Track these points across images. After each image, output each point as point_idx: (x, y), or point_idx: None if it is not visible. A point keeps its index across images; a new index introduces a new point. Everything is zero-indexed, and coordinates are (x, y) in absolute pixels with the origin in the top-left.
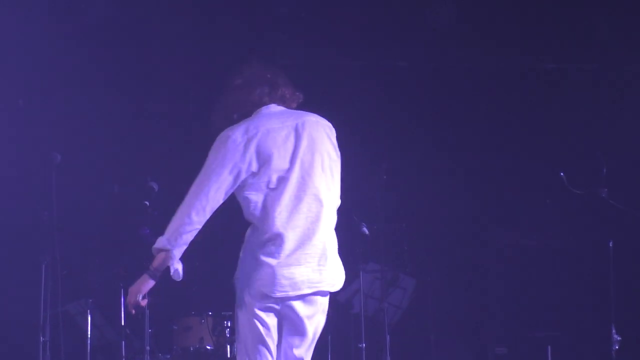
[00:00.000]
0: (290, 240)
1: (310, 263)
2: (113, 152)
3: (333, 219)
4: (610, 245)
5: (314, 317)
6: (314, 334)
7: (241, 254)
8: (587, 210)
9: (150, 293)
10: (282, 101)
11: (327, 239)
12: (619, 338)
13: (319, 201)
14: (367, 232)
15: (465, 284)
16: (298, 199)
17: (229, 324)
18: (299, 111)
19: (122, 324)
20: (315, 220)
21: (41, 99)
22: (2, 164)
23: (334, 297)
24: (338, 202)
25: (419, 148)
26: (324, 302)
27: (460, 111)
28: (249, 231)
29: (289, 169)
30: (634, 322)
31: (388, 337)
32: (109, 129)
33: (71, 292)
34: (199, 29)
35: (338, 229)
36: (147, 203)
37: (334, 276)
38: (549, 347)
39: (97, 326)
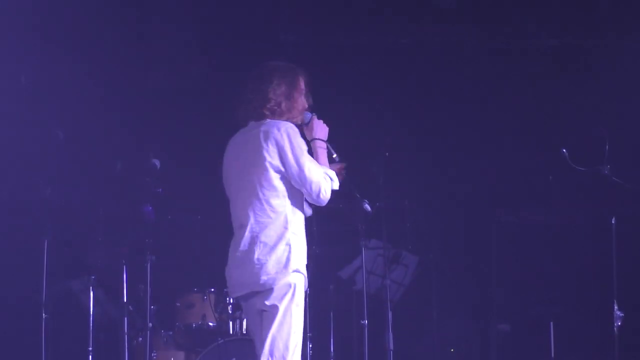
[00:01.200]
0: None
1: None
2: (115, 129)
3: None
4: (613, 222)
5: None
6: None
7: (283, 245)
8: (590, 187)
9: (153, 270)
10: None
11: None
12: (621, 314)
13: None
14: (369, 209)
15: (467, 260)
16: None
17: (231, 301)
18: None
19: (125, 300)
20: None
21: (44, 76)
22: (5, 142)
23: (336, 274)
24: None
25: (422, 126)
26: None
27: (463, 89)
28: (286, 218)
29: None
30: (636, 299)
31: (390, 314)
32: (112, 106)
33: (73, 269)
34: (202, 3)
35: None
36: (150, 180)
37: None
38: (552, 324)
39: (100, 303)
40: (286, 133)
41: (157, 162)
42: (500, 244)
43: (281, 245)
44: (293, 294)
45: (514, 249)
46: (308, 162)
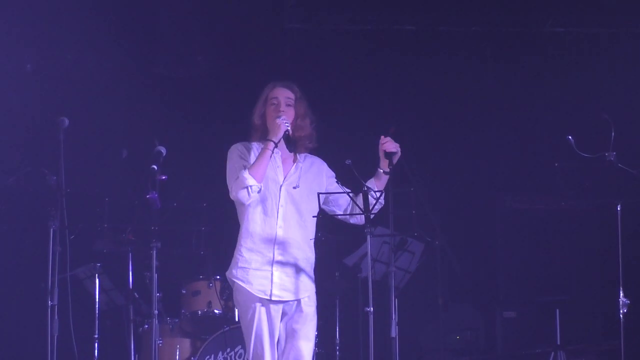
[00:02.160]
0: None
1: None
2: (121, 116)
3: None
4: (618, 208)
5: None
6: None
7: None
8: (595, 173)
9: (159, 257)
10: None
11: None
12: (627, 301)
13: None
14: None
15: (473, 248)
16: None
17: None
18: None
19: (130, 288)
20: None
21: (49, 63)
22: (10, 129)
23: (341, 261)
24: None
25: (427, 111)
26: None
27: (468, 74)
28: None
29: None
30: None
31: (396, 301)
32: (118, 93)
33: (79, 257)
34: None
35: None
36: (155, 167)
37: None
38: (557, 311)
39: (105, 290)
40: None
41: (163, 149)
42: (506, 231)
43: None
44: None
45: (521, 236)
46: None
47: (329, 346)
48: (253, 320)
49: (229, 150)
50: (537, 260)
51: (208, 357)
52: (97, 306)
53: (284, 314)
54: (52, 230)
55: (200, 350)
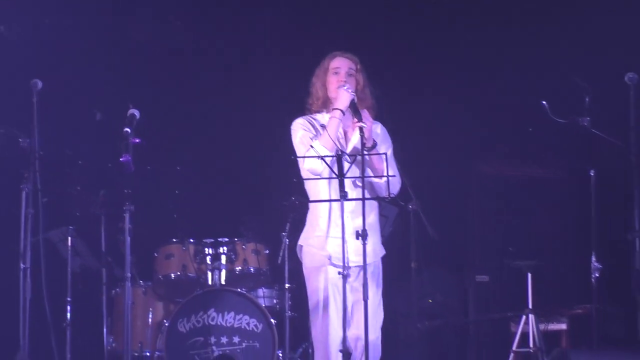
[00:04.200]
0: None
1: None
2: (95, 79)
3: None
4: (592, 174)
5: None
6: None
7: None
8: (569, 139)
9: (132, 220)
10: None
11: None
12: (599, 266)
13: None
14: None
15: (447, 213)
16: None
17: (210, 252)
18: None
19: (103, 251)
20: None
21: (22, 24)
22: None
23: None
24: None
25: (400, 75)
26: None
27: (440, 38)
28: None
29: None
30: (614, 251)
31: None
32: (92, 56)
33: (52, 220)
34: None
35: None
36: (129, 130)
37: None
38: (529, 275)
39: (78, 253)
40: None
41: (136, 112)
42: (479, 196)
43: None
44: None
45: (494, 201)
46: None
47: (302, 309)
48: None
49: (291, 126)
50: (511, 225)
51: (181, 320)
52: (69, 269)
53: None
54: (24, 193)
55: (174, 313)
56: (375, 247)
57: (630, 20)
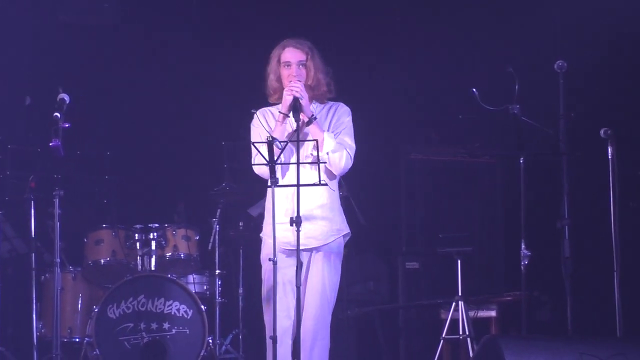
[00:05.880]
0: None
1: None
2: (25, 63)
3: None
4: (521, 161)
5: None
6: None
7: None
8: (499, 126)
9: (62, 206)
10: None
11: None
12: (528, 253)
13: None
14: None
15: (377, 199)
16: None
17: (140, 237)
18: None
19: (33, 236)
20: None
21: None
22: None
23: (246, 211)
24: None
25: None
26: None
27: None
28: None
29: None
30: (542, 238)
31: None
32: (22, 39)
33: None
34: None
35: None
36: (59, 115)
37: None
38: (459, 261)
39: (8, 238)
40: None
41: (66, 97)
42: (409, 182)
43: None
44: None
45: (423, 187)
46: None
47: (233, 295)
48: None
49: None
50: (440, 212)
51: (111, 305)
52: None
53: None
54: None
55: (103, 299)
56: (324, 230)
57: (560, 8)
